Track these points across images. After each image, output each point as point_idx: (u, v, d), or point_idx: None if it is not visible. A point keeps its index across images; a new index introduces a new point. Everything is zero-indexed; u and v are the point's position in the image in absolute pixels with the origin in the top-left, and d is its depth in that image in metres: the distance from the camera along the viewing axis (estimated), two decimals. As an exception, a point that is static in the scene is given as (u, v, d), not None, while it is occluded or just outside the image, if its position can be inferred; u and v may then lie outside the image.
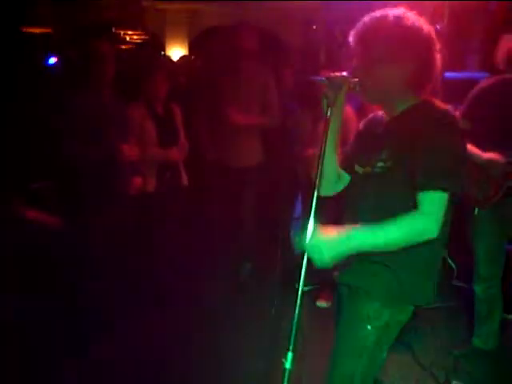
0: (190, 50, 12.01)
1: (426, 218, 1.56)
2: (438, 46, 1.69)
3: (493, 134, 2.74)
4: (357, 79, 1.72)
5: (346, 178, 1.90)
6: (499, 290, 3.06)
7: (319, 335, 2.80)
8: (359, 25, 1.70)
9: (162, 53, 10.93)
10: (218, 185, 3.87)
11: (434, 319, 3.45)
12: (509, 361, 3.12)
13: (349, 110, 3.19)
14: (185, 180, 3.64)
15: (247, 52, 3.73)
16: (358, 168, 1.82)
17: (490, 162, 2.75)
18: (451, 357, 3.06)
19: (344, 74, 1.73)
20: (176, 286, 3.56)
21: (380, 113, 1.88)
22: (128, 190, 3.27)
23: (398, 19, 1.65)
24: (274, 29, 9.69)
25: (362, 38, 1.69)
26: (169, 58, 6.77)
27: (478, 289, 3.09)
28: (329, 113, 1.72)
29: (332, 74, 1.72)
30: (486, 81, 2.88)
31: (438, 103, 1.69)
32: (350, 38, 1.72)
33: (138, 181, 3.34)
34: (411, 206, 1.60)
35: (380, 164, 1.70)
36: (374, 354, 1.79)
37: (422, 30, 1.66)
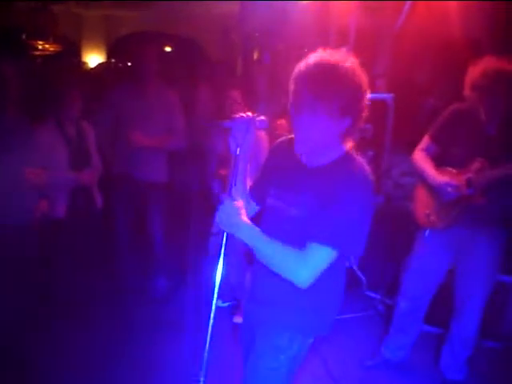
0: (108, 56, 11.70)
1: (304, 266, 1.61)
2: (368, 94, 1.67)
3: (459, 158, 2.79)
4: (263, 118, 1.78)
5: (254, 207, 1.96)
6: (424, 307, 3.13)
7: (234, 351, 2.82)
8: (306, 66, 1.63)
9: (79, 60, 10.55)
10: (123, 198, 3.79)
11: (348, 330, 3.56)
12: (417, 372, 3.23)
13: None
14: (99, 203, 3.53)
15: (149, 72, 3.65)
16: (270, 201, 1.85)
17: (439, 186, 2.81)
18: (362, 368, 3.18)
19: (250, 114, 1.78)
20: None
21: (286, 139, 1.90)
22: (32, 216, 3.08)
23: (347, 71, 1.60)
24: (193, 37, 9.66)
25: (308, 84, 1.61)
26: (86, 66, 6.54)
27: (403, 304, 3.16)
28: (237, 152, 1.78)
29: (238, 117, 1.76)
30: (455, 106, 2.90)
31: (360, 162, 1.72)
32: (293, 77, 1.66)
33: (43, 205, 3.15)
34: None
35: (295, 209, 1.73)
36: (288, 381, 1.85)
37: (364, 83, 1.64)
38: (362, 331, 3.67)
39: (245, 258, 3.50)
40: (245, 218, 1.70)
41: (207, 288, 1.85)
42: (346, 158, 1.71)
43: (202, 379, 1.70)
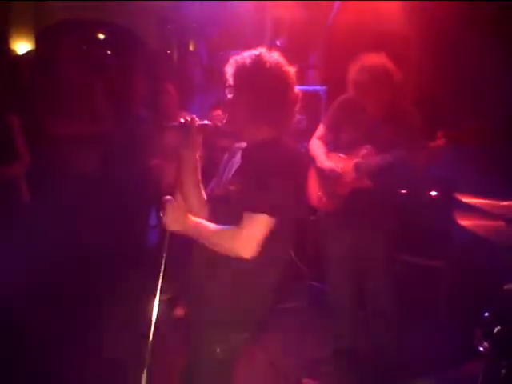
0: (36, 44, 11.18)
1: (242, 238, 1.67)
2: (295, 85, 1.81)
3: (348, 144, 3.00)
4: (206, 122, 1.86)
5: None
6: (351, 293, 3.23)
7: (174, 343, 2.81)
8: (231, 62, 1.82)
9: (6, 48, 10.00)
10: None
11: (292, 320, 3.61)
12: (365, 359, 3.30)
13: None
14: (26, 196, 3.38)
15: (68, 59, 3.58)
16: (215, 191, 1.94)
17: (325, 170, 3.00)
18: (308, 356, 3.23)
19: (194, 117, 1.84)
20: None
21: (238, 144, 1.98)
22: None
23: (262, 59, 1.77)
24: (129, 26, 9.40)
25: (231, 75, 1.81)
26: (14, 54, 6.21)
27: (331, 291, 3.29)
28: (184, 154, 1.86)
29: (183, 120, 1.83)
30: (343, 96, 3.10)
31: (288, 141, 1.85)
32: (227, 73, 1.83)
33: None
34: None
35: (232, 188, 1.81)
36: (225, 374, 1.88)
37: (283, 70, 1.78)
38: (307, 320, 3.70)
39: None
40: (190, 217, 1.78)
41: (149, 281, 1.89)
42: (274, 137, 1.83)
43: (145, 372, 1.71)
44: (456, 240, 3.47)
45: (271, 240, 1.69)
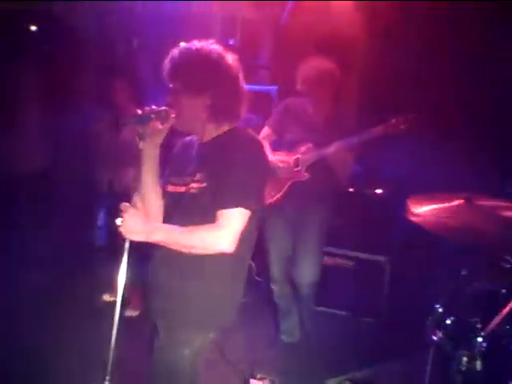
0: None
1: (221, 231, 1.65)
2: (241, 75, 1.80)
3: (291, 143, 3.17)
4: (163, 109, 1.76)
5: None
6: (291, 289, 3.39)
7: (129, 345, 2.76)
8: (170, 56, 1.77)
9: None
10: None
11: (243, 316, 3.67)
12: (312, 350, 3.40)
13: None
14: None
15: None
16: (170, 188, 1.88)
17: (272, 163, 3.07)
18: (259, 351, 3.29)
19: (153, 108, 1.76)
20: None
21: (189, 138, 1.96)
22: None
23: (205, 52, 1.73)
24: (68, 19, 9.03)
25: (172, 70, 1.77)
26: None
27: (274, 288, 3.40)
28: (141, 146, 1.77)
29: (140, 111, 1.74)
30: (287, 99, 3.30)
31: (247, 130, 1.81)
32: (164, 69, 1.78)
33: None
34: None
35: (195, 185, 1.77)
36: (191, 375, 1.86)
37: (227, 62, 1.75)
38: (258, 317, 3.77)
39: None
40: (151, 222, 1.76)
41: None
42: (234, 130, 1.82)
43: (107, 378, 1.67)
44: (399, 235, 3.63)
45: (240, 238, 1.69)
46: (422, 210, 2.13)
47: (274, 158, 3.15)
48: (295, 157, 3.15)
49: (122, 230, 1.69)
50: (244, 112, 1.83)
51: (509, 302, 1.67)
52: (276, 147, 3.24)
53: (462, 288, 2.10)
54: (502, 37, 3.26)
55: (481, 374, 1.84)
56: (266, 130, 3.29)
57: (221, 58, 1.74)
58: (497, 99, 3.31)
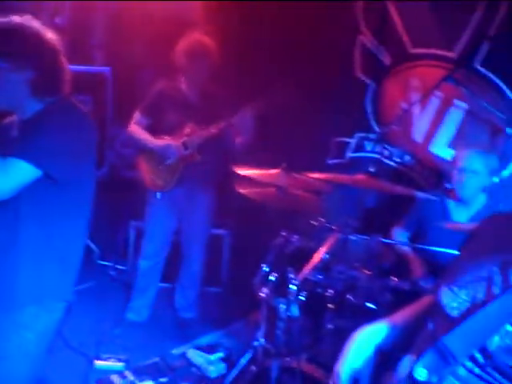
0: None
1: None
2: (61, 51, 1.76)
3: (170, 126, 3.18)
4: None
5: None
6: (160, 267, 3.51)
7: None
8: None
9: None
10: None
11: (87, 300, 3.63)
12: (160, 329, 3.51)
13: None
14: None
15: None
16: None
17: (162, 149, 3.16)
18: (104, 333, 3.29)
19: None
20: None
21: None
22: None
23: (23, 27, 1.67)
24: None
25: None
26: None
27: (142, 263, 3.46)
28: None
29: None
30: (160, 83, 3.25)
31: (73, 103, 1.79)
32: None
33: None
34: None
35: None
36: (37, 358, 1.83)
37: (47, 38, 1.71)
38: (98, 298, 3.77)
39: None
40: None
41: None
42: (54, 103, 1.77)
43: None
44: (236, 207, 3.89)
45: (63, 205, 1.71)
46: (247, 181, 2.35)
47: (158, 143, 3.17)
48: (182, 140, 3.14)
49: None
50: (67, 89, 1.79)
51: (316, 254, 1.96)
52: (156, 132, 3.23)
53: (282, 247, 2.39)
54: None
55: (299, 319, 2.14)
56: (137, 115, 3.27)
57: (40, 33, 1.70)
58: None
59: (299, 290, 1.99)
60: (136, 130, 3.27)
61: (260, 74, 3.58)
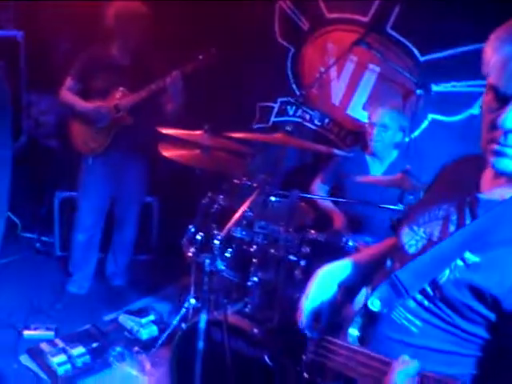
0: None
1: None
2: None
3: (101, 90, 3.17)
4: None
5: None
6: (99, 237, 3.50)
7: None
8: None
9: None
10: None
11: (11, 274, 3.58)
12: (92, 298, 3.52)
13: None
14: None
15: None
16: None
17: (92, 111, 3.15)
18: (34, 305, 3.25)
19: None
20: None
21: None
22: None
23: None
24: None
25: None
26: None
27: (80, 236, 3.43)
28: None
29: None
30: (93, 47, 3.24)
31: None
32: None
33: None
34: None
35: None
36: None
37: None
38: (24, 271, 3.72)
39: None
40: None
41: None
42: None
43: None
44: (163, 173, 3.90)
45: None
46: (170, 144, 2.39)
47: (89, 106, 3.15)
48: (114, 103, 3.14)
49: None
50: None
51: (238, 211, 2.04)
52: (87, 96, 3.22)
53: (208, 207, 2.46)
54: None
55: (222, 271, 2.25)
56: (68, 81, 3.24)
57: None
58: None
59: (223, 245, 2.07)
60: (67, 94, 3.26)
61: (185, 40, 3.57)
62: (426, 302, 1.14)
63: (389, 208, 2.48)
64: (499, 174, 1.09)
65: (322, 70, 3.57)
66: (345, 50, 3.38)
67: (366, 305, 1.20)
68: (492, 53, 1.04)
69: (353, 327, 1.24)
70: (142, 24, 3.11)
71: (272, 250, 2.26)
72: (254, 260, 2.27)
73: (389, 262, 1.29)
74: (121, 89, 3.17)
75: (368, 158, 3.12)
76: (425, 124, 3.34)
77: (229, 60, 3.57)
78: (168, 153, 2.46)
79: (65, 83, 3.26)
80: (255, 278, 2.27)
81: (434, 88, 3.22)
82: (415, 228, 1.22)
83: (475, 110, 3.16)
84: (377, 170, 3.09)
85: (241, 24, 3.70)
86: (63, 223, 3.86)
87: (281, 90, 3.84)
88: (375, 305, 1.18)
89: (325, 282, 1.39)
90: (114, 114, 3.17)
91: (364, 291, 1.32)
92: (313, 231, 2.28)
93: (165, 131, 2.31)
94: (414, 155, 3.12)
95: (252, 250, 2.29)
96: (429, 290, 1.13)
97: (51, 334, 2.99)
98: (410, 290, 1.14)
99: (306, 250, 2.24)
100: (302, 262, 2.23)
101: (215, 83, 3.75)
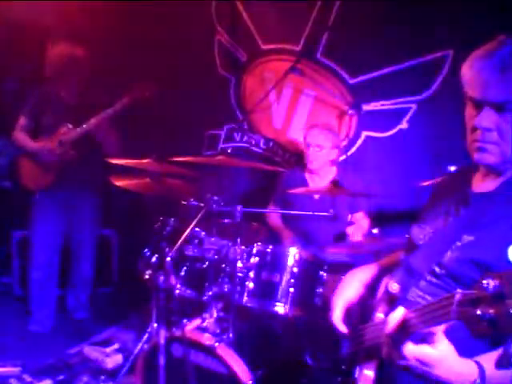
0: None
1: None
2: None
3: (48, 127, 3.32)
4: None
5: None
6: (56, 274, 3.57)
7: None
8: None
9: None
10: None
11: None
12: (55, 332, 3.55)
13: None
14: None
15: None
16: None
17: (37, 150, 3.32)
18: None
19: None
20: None
21: None
22: None
23: None
24: None
25: None
26: None
27: (35, 274, 3.50)
28: None
29: None
30: (44, 86, 3.39)
31: None
32: None
33: None
34: None
35: None
36: None
37: None
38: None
39: None
40: None
41: None
42: None
43: None
44: (119, 206, 4.02)
45: None
46: (121, 174, 2.53)
47: (36, 145, 3.31)
48: (59, 138, 3.28)
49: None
50: None
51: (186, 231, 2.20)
52: (37, 133, 3.37)
53: (161, 230, 2.60)
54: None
55: (179, 289, 2.38)
56: (22, 120, 3.40)
57: None
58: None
59: (175, 262, 2.22)
60: (18, 135, 3.41)
61: (124, 74, 3.76)
62: (434, 280, 1.36)
63: (323, 215, 2.67)
64: (485, 169, 1.36)
65: (261, 96, 3.82)
66: (281, 78, 3.63)
67: (387, 290, 1.44)
68: (467, 71, 1.27)
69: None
70: (81, 67, 3.33)
71: (223, 265, 2.41)
72: (207, 275, 2.41)
73: (403, 256, 1.55)
74: (68, 125, 3.31)
75: (307, 175, 3.33)
76: (360, 141, 3.61)
77: (176, 93, 3.79)
78: (120, 182, 2.58)
79: (18, 122, 3.40)
80: (210, 293, 2.40)
81: (365, 107, 3.50)
82: (423, 225, 1.48)
83: (404, 125, 3.44)
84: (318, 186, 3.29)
85: (185, 60, 3.94)
86: (22, 262, 3.89)
87: (226, 118, 4.06)
88: (394, 287, 1.42)
89: (352, 283, 1.64)
90: (58, 149, 3.29)
91: (384, 280, 1.56)
92: (259, 243, 2.44)
93: (114, 161, 2.45)
94: (351, 171, 3.37)
95: (204, 266, 2.43)
96: (436, 269, 1.35)
97: (18, 369, 3.01)
98: (421, 271, 1.38)
99: (255, 261, 2.40)
100: (251, 273, 2.39)
101: (164, 114, 3.94)
